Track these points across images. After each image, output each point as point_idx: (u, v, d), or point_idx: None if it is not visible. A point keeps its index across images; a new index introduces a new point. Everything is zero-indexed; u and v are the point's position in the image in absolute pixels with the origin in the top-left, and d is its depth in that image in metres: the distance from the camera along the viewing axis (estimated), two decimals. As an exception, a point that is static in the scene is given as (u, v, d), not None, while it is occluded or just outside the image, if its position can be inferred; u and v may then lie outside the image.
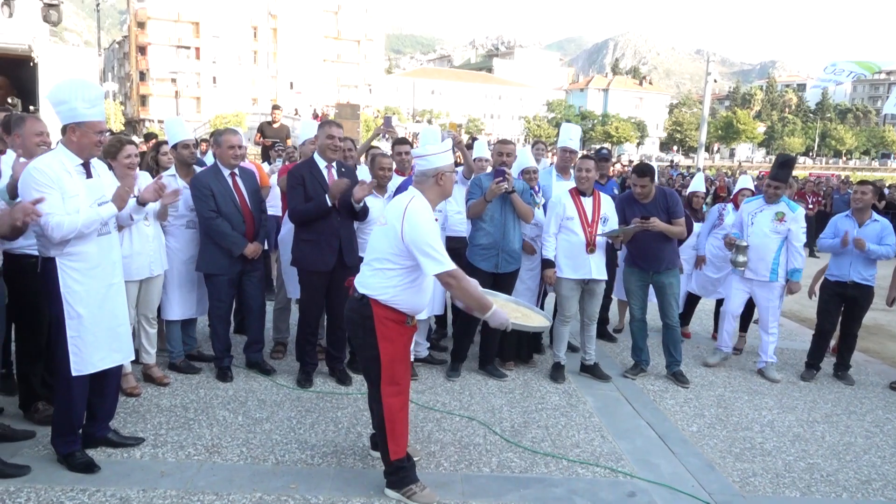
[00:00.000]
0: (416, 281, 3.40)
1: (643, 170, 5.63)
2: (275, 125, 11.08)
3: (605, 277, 5.56)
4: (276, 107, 11.99)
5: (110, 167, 4.46)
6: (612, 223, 5.44)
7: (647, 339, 5.88)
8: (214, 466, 3.75)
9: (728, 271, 6.37)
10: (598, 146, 9.79)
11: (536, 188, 5.82)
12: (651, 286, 5.77)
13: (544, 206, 5.77)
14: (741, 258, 5.93)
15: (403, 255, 3.32)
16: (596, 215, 5.40)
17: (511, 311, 3.67)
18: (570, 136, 6.27)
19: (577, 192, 5.45)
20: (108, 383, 3.75)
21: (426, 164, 3.45)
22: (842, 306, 6.05)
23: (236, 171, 5.01)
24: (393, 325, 3.41)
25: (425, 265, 3.25)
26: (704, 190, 7.45)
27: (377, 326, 3.39)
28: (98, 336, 3.52)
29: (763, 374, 6.06)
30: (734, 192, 7.31)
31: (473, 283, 3.43)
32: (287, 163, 6.94)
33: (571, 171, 5.96)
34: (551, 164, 7.10)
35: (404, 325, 3.46)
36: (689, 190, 7.49)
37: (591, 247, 5.35)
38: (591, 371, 5.68)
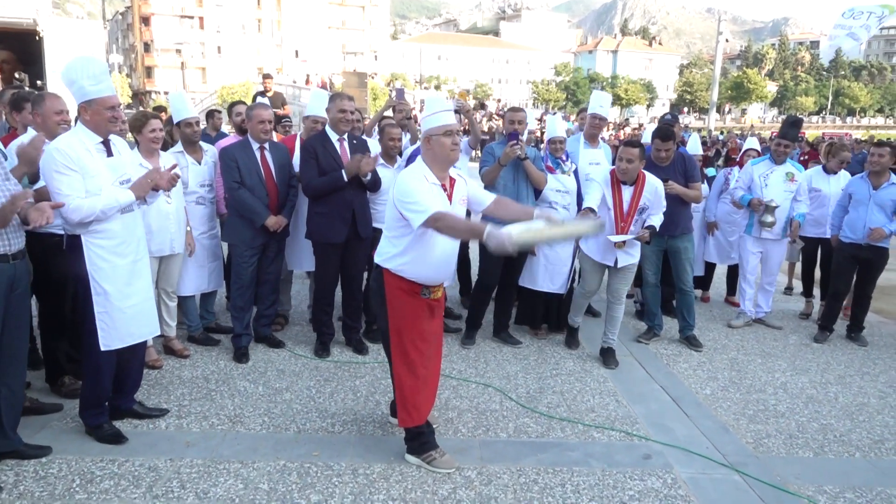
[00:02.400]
0: (420, 248, 3.37)
1: (667, 133, 5.56)
2: (268, 94, 10.79)
3: (634, 261, 5.18)
4: (266, 76, 11.58)
5: (137, 143, 4.52)
6: (656, 213, 5.04)
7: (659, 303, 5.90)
8: (238, 436, 3.85)
9: (740, 234, 6.38)
10: (666, 114, 9.16)
11: (564, 157, 5.78)
12: (665, 252, 5.76)
13: (575, 173, 5.66)
14: (770, 218, 5.90)
15: (399, 219, 3.35)
16: (633, 207, 4.97)
17: (538, 231, 3.22)
18: (601, 103, 6.15)
19: (618, 179, 5.02)
20: (133, 357, 3.83)
21: (424, 128, 3.46)
22: (856, 268, 6.03)
23: (266, 145, 5.03)
24: (404, 295, 3.45)
25: (411, 220, 3.24)
26: (701, 153, 7.27)
27: (388, 297, 3.46)
28: (125, 312, 3.59)
29: (765, 323, 6.30)
30: (741, 153, 7.27)
31: (458, 217, 3.37)
32: (282, 135, 6.65)
33: (600, 139, 5.92)
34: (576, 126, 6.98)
35: (418, 297, 3.47)
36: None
37: (619, 244, 4.97)
38: (604, 355, 5.31)
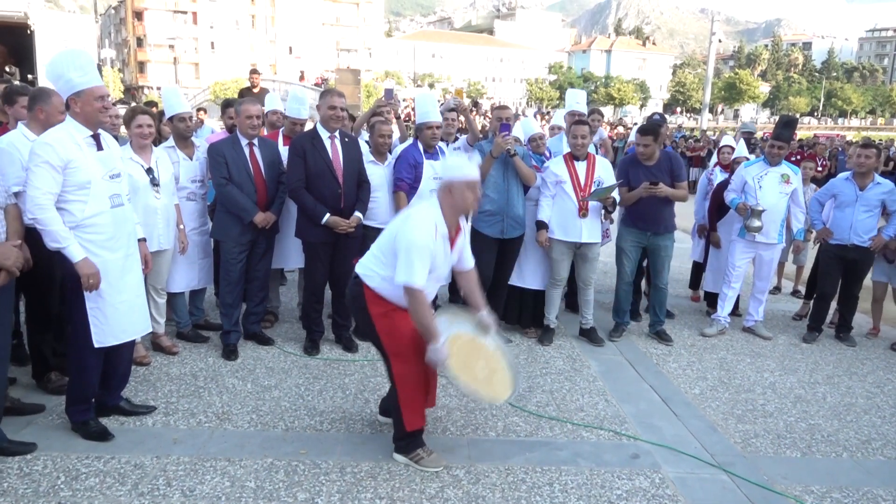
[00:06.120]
0: None
1: (646, 128, 5.67)
2: (255, 90, 10.41)
3: (598, 241, 5.57)
4: (254, 71, 11.16)
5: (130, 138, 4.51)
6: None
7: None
8: (225, 433, 3.83)
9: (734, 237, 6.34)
10: (654, 114, 9.09)
11: (547, 154, 5.79)
12: (644, 249, 5.79)
13: None
14: (756, 223, 5.80)
15: (392, 251, 3.34)
16: (589, 179, 5.39)
17: (481, 359, 3.54)
18: (577, 99, 6.38)
19: (571, 157, 5.47)
20: (121, 353, 3.80)
21: (445, 175, 3.46)
22: (842, 269, 6.05)
23: (255, 140, 5.01)
24: (384, 302, 3.44)
25: (398, 269, 3.25)
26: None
27: (368, 305, 3.45)
28: (118, 308, 3.57)
29: (754, 332, 6.18)
30: (717, 149, 7.20)
31: (430, 313, 3.36)
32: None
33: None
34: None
35: (401, 309, 3.44)
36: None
37: (582, 211, 5.36)
38: (588, 335, 5.71)
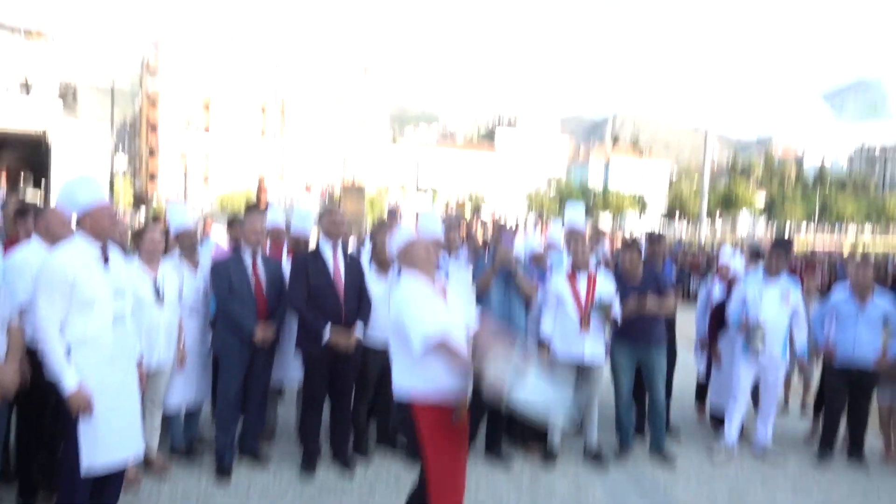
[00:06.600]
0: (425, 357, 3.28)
1: (626, 244, 5.91)
2: (261, 205, 10.25)
3: (601, 358, 5.52)
4: (260, 186, 10.99)
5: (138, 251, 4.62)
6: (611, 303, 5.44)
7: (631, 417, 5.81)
8: (214, 563, 3.65)
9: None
10: (651, 231, 9.10)
11: (548, 270, 5.86)
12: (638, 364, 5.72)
13: None
14: (759, 340, 5.72)
15: (400, 336, 3.33)
16: (590, 295, 5.40)
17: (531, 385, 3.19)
18: (574, 215, 6.44)
19: (573, 272, 5.53)
20: (111, 481, 3.67)
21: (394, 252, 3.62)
22: (848, 386, 5.92)
23: (258, 257, 5.09)
24: (440, 429, 3.31)
25: (412, 340, 3.19)
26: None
27: (425, 438, 3.31)
28: (112, 431, 3.48)
29: (764, 458, 5.89)
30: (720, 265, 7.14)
31: (466, 354, 3.27)
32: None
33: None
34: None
35: (452, 427, 3.33)
36: None
37: (584, 326, 5.35)
38: (593, 456, 5.53)
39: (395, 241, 3.61)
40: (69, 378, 3.32)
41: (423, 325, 3.17)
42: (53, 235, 3.94)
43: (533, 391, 3.03)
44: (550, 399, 3.09)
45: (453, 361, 3.20)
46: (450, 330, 3.27)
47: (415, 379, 3.33)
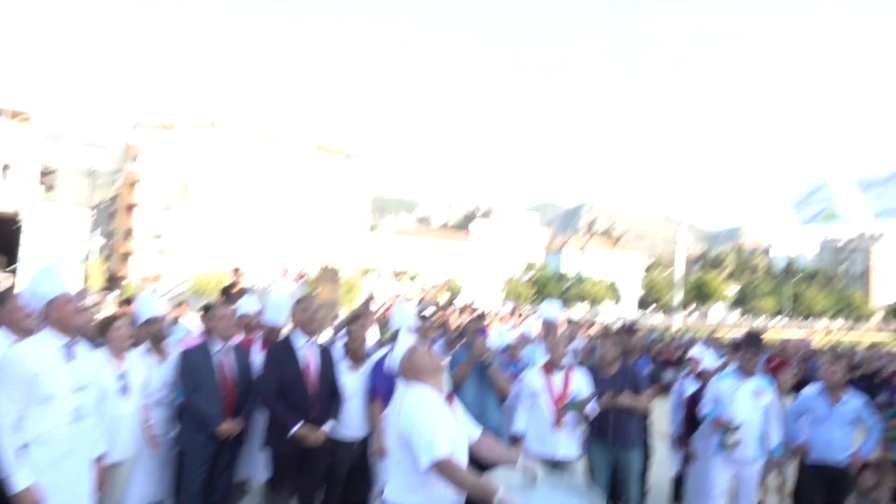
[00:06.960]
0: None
1: (606, 333, 5.90)
2: (234, 290, 9.58)
3: (574, 455, 5.38)
4: (236, 270, 10.80)
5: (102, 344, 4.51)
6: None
7: None
8: None
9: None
10: (629, 321, 9.17)
11: (521, 362, 5.84)
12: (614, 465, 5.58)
13: None
14: (733, 438, 5.62)
15: (405, 448, 3.18)
16: (565, 391, 5.31)
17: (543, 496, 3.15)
18: (551, 310, 6.53)
19: (548, 367, 5.45)
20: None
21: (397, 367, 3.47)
22: (825, 486, 5.80)
23: (228, 348, 5.00)
24: None
25: (418, 454, 3.05)
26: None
27: None
28: None
29: None
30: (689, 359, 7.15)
31: (472, 473, 3.14)
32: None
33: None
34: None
35: None
36: None
37: (558, 423, 5.26)
38: None
39: (396, 356, 3.51)
40: (20, 477, 3.18)
41: (433, 444, 3.04)
42: (17, 326, 3.86)
43: (546, 501, 2.97)
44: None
45: (457, 483, 3.06)
46: (457, 450, 3.16)
47: (413, 496, 3.18)
